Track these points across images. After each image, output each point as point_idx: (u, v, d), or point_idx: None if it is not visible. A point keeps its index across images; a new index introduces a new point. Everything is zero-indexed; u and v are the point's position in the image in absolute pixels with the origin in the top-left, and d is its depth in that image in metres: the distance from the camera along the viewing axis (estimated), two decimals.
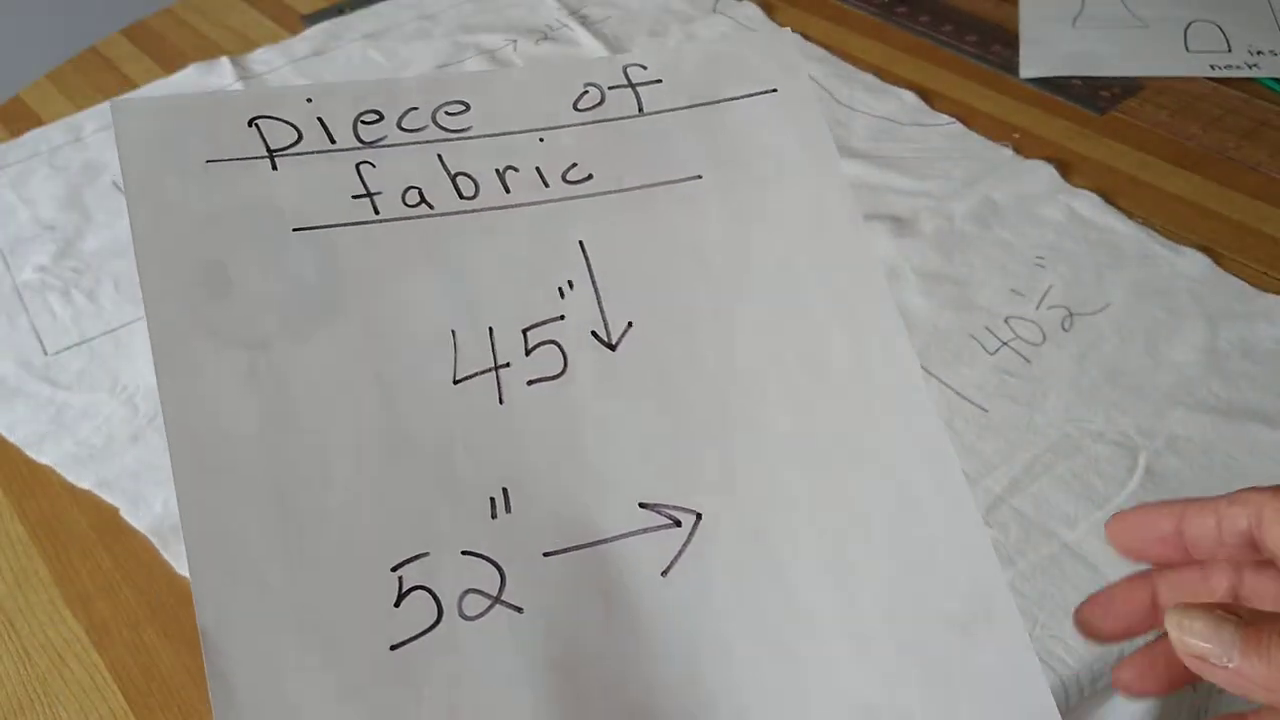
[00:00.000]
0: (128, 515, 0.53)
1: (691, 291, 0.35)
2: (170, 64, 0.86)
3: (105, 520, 0.53)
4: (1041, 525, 0.49)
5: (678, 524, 0.32)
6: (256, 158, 0.34)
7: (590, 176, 0.36)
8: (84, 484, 0.54)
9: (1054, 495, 0.50)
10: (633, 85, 0.38)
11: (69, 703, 0.46)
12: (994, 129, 0.72)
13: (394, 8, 0.91)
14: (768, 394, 0.34)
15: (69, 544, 0.52)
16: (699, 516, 0.33)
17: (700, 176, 0.36)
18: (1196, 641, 0.28)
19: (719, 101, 0.38)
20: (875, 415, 0.34)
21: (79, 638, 0.48)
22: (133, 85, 0.83)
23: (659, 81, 0.38)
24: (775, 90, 0.38)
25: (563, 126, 0.37)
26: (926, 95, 0.75)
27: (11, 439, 0.57)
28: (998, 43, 0.81)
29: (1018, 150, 0.70)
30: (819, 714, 0.31)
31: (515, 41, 0.85)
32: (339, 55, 0.85)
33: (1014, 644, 0.31)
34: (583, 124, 0.37)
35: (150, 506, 0.53)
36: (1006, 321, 0.59)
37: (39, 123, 0.80)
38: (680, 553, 0.32)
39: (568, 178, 0.36)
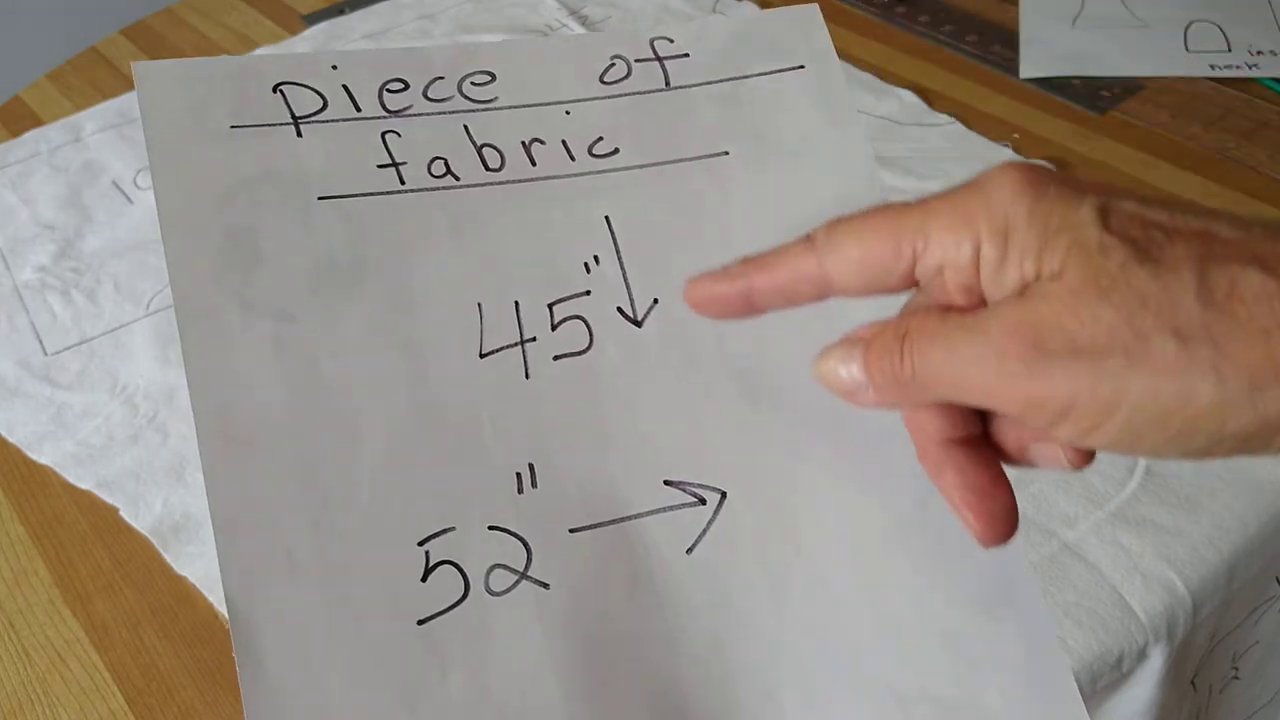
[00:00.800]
0: (127, 515, 0.53)
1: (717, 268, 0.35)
2: None
3: (105, 520, 0.53)
4: (1041, 525, 0.49)
5: (702, 502, 0.32)
6: (281, 124, 0.34)
7: (616, 151, 0.36)
8: (84, 484, 0.54)
9: (1054, 495, 0.50)
10: (660, 59, 0.37)
11: (69, 703, 0.46)
12: (994, 129, 0.72)
13: (394, 8, 0.91)
14: (792, 371, 0.34)
15: (69, 544, 0.52)
16: (724, 495, 0.33)
17: (727, 153, 0.36)
18: (836, 378, 0.28)
19: (746, 77, 0.37)
20: None
21: (79, 638, 0.48)
22: (132, 85, 0.83)
23: (686, 56, 0.38)
24: (802, 67, 0.38)
25: (589, 99, 0.36)
26: (926, 95, 0.75)
27: (11, 439, 0.57)
28: (998, 43, 0.81)
29: (1018, 150, 0.70)
30: (845, 692, 0.31)
31: None
32: None
33: (1036, 625, 0.32)
34: (609, 97, 0.37)
35: (150, 506, 0.53)
36: None
37: (39, 123, 0.80)
38: (705, 531, 0.32)
39: (594, 151, 0.36)
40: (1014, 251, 0.25)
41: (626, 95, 0.37)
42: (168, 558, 0.51)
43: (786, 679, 0.31)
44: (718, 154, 0.36)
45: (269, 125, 0.34)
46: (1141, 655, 0.46)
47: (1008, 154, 0.70)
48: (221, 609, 0.49)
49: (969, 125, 0.72)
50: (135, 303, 0.64)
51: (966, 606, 0.32)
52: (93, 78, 0.85)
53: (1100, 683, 0.45)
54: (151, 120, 0.33)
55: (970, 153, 0.70)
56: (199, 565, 0.50)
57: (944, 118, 0.73)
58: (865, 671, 0.31)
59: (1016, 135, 0.71)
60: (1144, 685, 0.47)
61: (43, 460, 0.56)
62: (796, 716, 0.31)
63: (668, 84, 0.37)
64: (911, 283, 0.27)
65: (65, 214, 0.71)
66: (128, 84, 0.84)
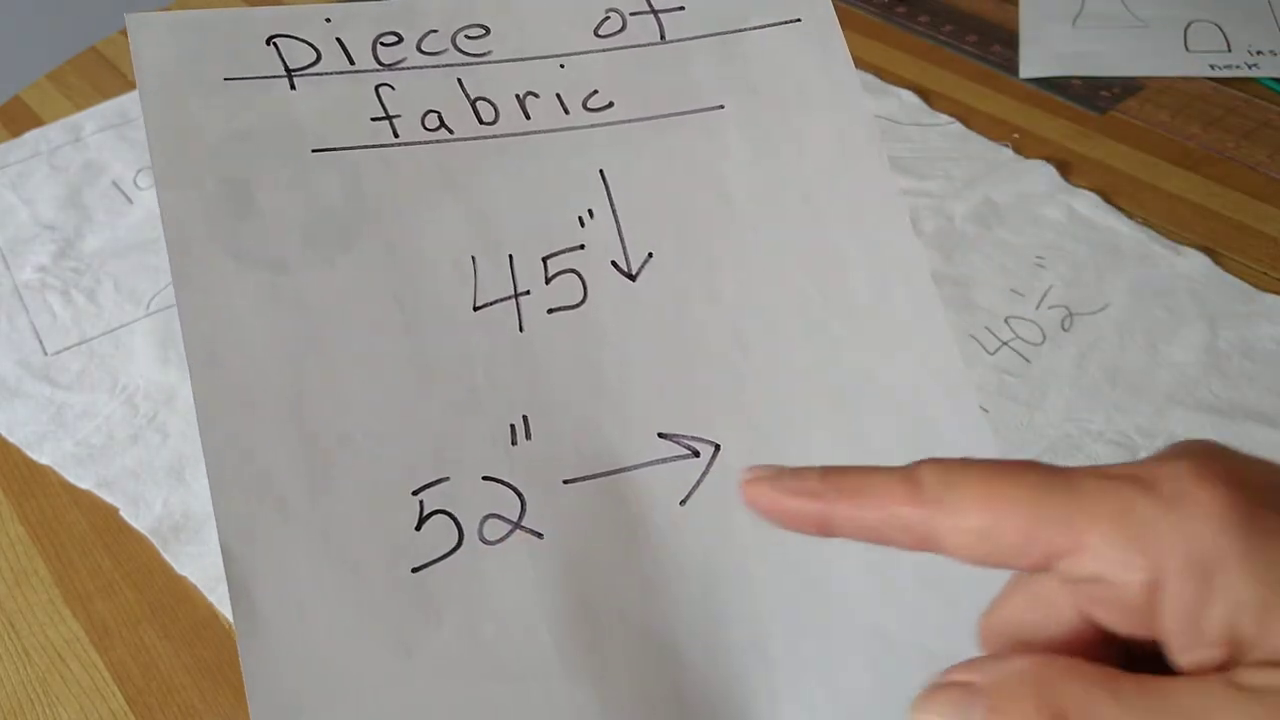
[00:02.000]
0: (127, 515, 0.53)
1: (712, 223, 0.35)
2: None
3: (105, 520, 0.53)
4: None
5: (696, 454, 0.33)
6: (275, 77, 0.34)
7: (611, 104, 0.36)
8: (84, 484, 0.54)
9: None
10: (655, 11, 0.37)
11: (69, 703, 0.46)
12: (994, 129, 0.72)
13: None
14: (787, 326, 0.34)
15: (69, 544, 0.52)
16: (717, 447, 0.33)
17: (722, 106, 0.36)
18: None
19: (742, 30, 0.37)
20: (895, 349, 0.34)
21: (79, 638, 0.48)
22: (132, 85, 0.83)
23: (681, 9, 0.37)
24: (799, 20, 0.38)
25: (584, 52, 0.36)
26: (926, 95, 0.75)
27: (11, 439, 0.57)
28: (998, 43, 0.81)
29: (1018, 150, 0.70)
30: (836, 640, 0.31)
31: None
32: None
33: None
34: (604, 50, 0.36)
35: (150, 506, 0.53)
36: (1006, 321, 0.59)
37: (39, 123, 0.80)
38: (699, 483, 0.32)
39: (589, 105, 0.36)
40: (1223, 601, 0.19)
41: (621, 48, 0.37)
42: (168, 558, 0.51)
43: (777, 628, 0.31)
44: (713, 108, 0.36)
45: (263, 78, 0.34)
46: None
47: (1008, 154, 0.70)
48: (222, 608, 0.49)
49: (969, 125, 0.72)
50: (135, 303, 0.64)
51: None
52: (93, 78, 0.85)
53: None
54: (145, 72, 0.33)
55: (970, 153, 0.70)
56: (199, 565, 0.50)
57: (944, 118, 0.73)
58: (856, 621, 0.31)
59: (1016, 135, 0.71)
60: None
61: (43, 460, 0.56)
62: (787, 664, 0.31)
63: (663, 37, 0.37)
64: (1044, 568, 0.21)
65: (65, 214, 0.71)
66: (128, 84, 0.84)
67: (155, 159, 0.32)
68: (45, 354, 0.61)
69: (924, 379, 0.34)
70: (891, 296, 0.34)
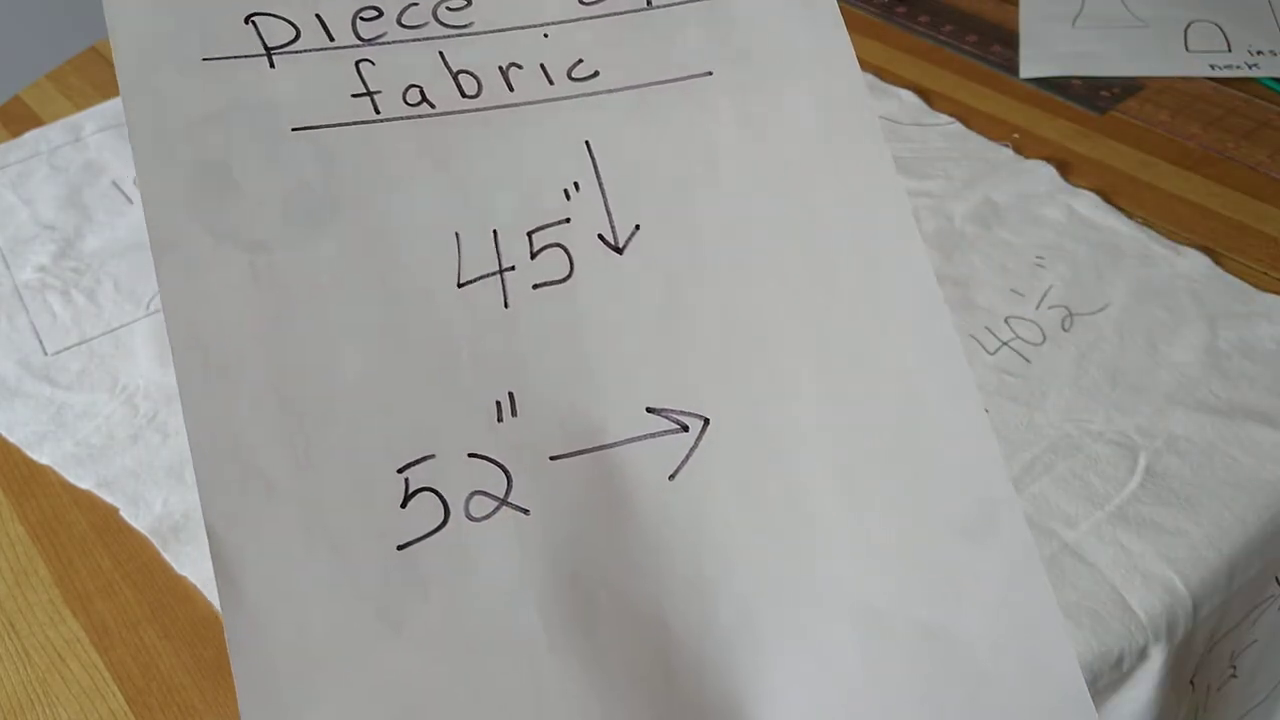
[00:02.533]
0: (127, 515, 0.53)
1: (700, 194, 0.34)
2: None
3: (105, 520, 0.53)
4: (1041, 525, 0.49)
5: (685, 429, 0.32)
6: (254, 55, 0.33)
7: (597, 74, 0.35)
8: (84, 484, 0.54)
9: (1054, 495, 0.50)
10: None
11: (69, 703, 0.46)
12: (994, 129, 0.72)
13: None
14: (776, 299, 0.33)
15: (69, 544, 0.52)
16: (706, 421, 0.32)
17: (710, 73, 0.35)
18: None
19: None
20: (885, 322, 0.33)
21: (79, 638, 0.48)
22: None
23: None
24: None
25: (568, 21, 0.36)
26: (926, 95, 0.75)
27: (11, 439, 0.57)
28: (998, 43, 0.81)
29: (1018, 150, 0.70)
30: (825, 617, 0.31)
31: None
32: None
33: (1020, 552, 0.31)
34: (588, 18, 0.36)
35: (150, 506, 0.53)
36: (1006, 321, 0.59)
37: (39, 123, 0.80)
38: (687, 457, 0.32)
39: (573, 75, 0.35)
40: None
41: (606, 16, 0.36)
42: (168, 558, 0.51)
43: (767, 602, 0.31)
44: (701, 75, 0.35)
45: (241, 57, 0.33)
46: (1142, 655, 0.46)
47: (1008, 154, 0.70)
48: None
49: (969, 125, 0.72)
50: (135, 303, 0.64)
51: (950, 532, 0.32)
52: (93, 78, 0.85)
53: (1100, 683, 0.45)
54: (123, 52, 0.33)
55: (970, 153, 0.70)
56: (199, 565, 0.50)
57: (944, 118, 0.73)
58: (846, 593, 0.31)
59: (1016, 135, 0.71)
60: (1144, 685, 0.47)
61: (43, 460, 0.56)
62: (775, 638, 0.31)
63: (649, 3, 0.36)
64: None
65: (65, 214, 0.71)
66: None
67: (134, 140, 0.32)
68: (45, 354, 0.61)
69: (914, 350, 0.33)
70: (881, 267, 0.34)
